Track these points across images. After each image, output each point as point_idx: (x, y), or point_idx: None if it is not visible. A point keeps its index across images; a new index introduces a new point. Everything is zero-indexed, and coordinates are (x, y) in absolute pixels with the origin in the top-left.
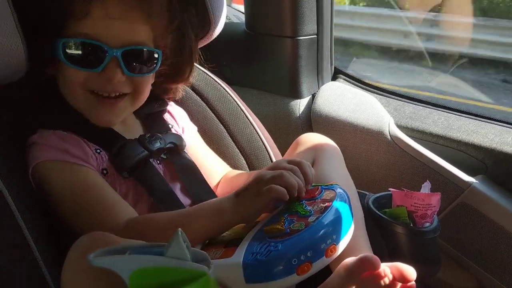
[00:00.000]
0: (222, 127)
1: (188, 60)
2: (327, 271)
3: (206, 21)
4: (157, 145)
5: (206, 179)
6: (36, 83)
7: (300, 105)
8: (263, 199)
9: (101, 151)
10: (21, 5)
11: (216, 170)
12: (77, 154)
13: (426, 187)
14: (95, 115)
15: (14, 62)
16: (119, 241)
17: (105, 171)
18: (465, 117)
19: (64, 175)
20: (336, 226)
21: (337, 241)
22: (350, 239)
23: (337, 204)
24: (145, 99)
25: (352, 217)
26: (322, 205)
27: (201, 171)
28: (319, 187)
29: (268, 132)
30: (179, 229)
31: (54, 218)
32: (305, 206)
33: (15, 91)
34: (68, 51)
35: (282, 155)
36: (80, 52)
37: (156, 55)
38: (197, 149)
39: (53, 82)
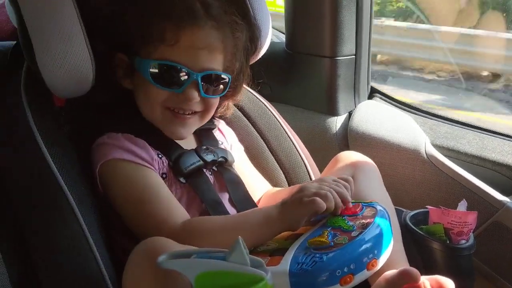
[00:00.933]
0: (263, 142)
1: (243, 81)
2: (365, 283)
3: (253, 43)
4: (211, 157)
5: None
6: (111, 93)
7: (336, 122)
8: (305, 209)
9: (162, 156)
10: (104, 24)
11: (258, 187)
12: (143, 156)
13: (462, 206)
14: (169, 129)
15: (83, 79)
16: (177, 247)
17: (164, 175)
18: (500, 138)
19: (129, 173)
20: (377, 242)
21: (378, 256)
22: (389, 254)
23: (378, 220)
24: (211, 117)
25: (392, 233)
26: (364, 221)
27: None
28: (360, 204)
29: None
30: (240, 236)
31: (111, 217)
32: (347, 222)
33: (87, 99)
34: (155, 72)
35: (319, 170)
36: (165, 74)
37: (227, 79)
38: (242, 167)
39: (127, 94)
